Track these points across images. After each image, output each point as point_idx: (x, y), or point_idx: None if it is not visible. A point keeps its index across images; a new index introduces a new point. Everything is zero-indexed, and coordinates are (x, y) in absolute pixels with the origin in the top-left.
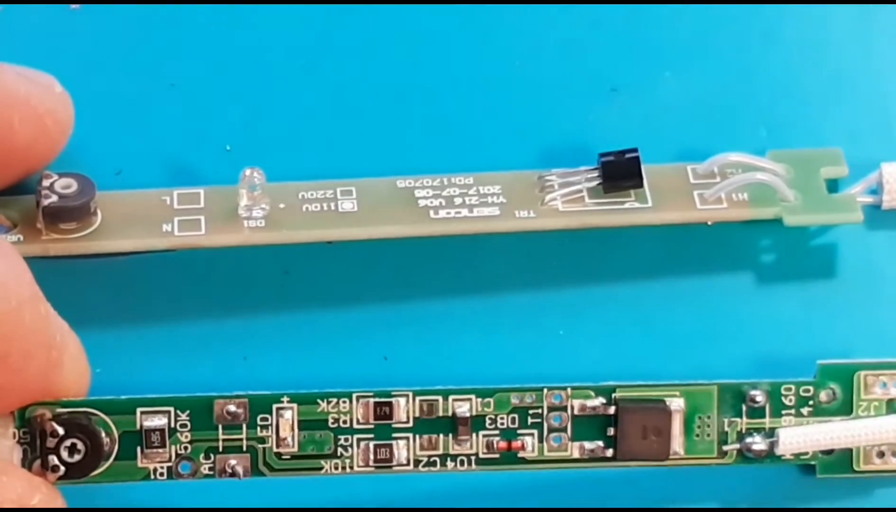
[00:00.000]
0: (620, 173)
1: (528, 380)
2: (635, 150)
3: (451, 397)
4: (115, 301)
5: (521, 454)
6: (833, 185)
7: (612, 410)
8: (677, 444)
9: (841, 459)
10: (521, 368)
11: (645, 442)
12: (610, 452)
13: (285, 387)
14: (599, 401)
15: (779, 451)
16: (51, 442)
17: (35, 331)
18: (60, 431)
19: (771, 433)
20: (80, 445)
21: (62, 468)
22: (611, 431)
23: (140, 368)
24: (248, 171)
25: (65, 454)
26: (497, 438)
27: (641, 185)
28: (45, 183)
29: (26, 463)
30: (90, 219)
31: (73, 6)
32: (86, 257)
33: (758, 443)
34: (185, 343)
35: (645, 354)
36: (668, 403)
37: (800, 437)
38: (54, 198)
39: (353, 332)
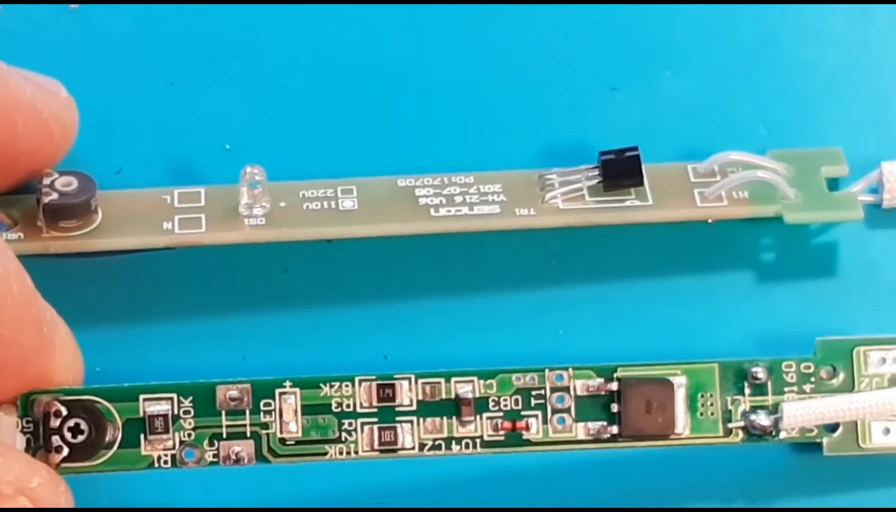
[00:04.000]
0: (621, 171)
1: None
2: (635, 148)
3: (453, 379)
4: (115, 299)
5: (525, 436)
6: (834, 185)
7: (614, 386)
8: (682, 421)
9: (847, 437)
10: (521, 366)
11: (649, 417)
12: (615, 429)
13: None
14: (601, 380)
15: (783, 425)
16: (54, 422)
17: (24, 301)
18: (63, 410)
19: (775, 410)
20: (83, 426)
21: (66, 449)
22: (615, 408)
23: (140, 366)
24: (248, 169)
25: (68, 435)
26: (501, 420)
27: (642, 184)
28: (46, 181)
29: (30, 452)
30: (91, 217)
31: (73, 6)
32: (86, 255)
33: (762, 418)
34: (185, 341)
35: (645, 351)
36: (670, 379)
37: (804, 410)
38: (55, 196)
39: (353, 330)
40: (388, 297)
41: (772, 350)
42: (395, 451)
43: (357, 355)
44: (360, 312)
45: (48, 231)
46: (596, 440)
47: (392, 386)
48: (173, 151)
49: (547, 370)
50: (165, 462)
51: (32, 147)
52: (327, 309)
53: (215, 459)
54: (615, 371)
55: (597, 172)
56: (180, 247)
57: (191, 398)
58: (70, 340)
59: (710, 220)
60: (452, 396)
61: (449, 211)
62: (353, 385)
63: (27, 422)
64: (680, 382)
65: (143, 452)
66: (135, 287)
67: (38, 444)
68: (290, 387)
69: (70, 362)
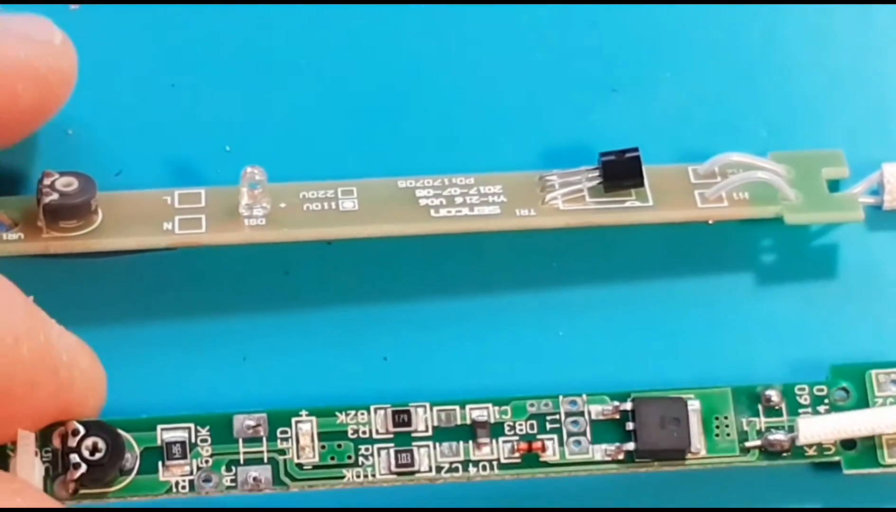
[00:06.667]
0: (621, 172)
1: (528, 381)
2: (636, 149)
3: (468, 406)
4: (115, 300)
5: (542, 458)
6: (834, 187)
7: (629, 405)
8: (697, 441)
9: (865, 454)
10: (520, 368)
11: (664, 432)
12: (631, 446)
13: (284, 388)
14: (615, 404)
15: (800, 441)
16: (71, 441)
17: (37, 362)
18: (81, 429)
19: (791, 430)
20: (101, 444)
21: (84, 466)
22: (630, 426)
23: (139, 368)
24: (249, 169)
25: (86, 454)
26: (517, 441)
27: (642, 185)
28: (46, 181)
29: (48, 480)
30: (91, 217)
31: (73, 6)
32: (86, 256)
33: (779, 435)
34: (185, 342)
35: (644, 353)
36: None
37: (820, 425)
38: (55, 196)
39: (353, 331)
40: (388, 298)
41: (770, 352)
42: (412, 474)
43: (356, 357)
44: (359, 313)
45: (48, 231)
46: (613, 461)
47: (407, 412)
48: (173, 153)
49: (561, 397)
50: (183, 487)
51: (33, 105)
52: (327, 310)
53: (233, 484)
54: (629, 397)
55: (597, 173)
56: (180, 247)
57: (208, 427)
58: (92, 368)
59: (710, 221)
60: (468, 421)
61: (449, 212)
62: (369, 413)
63: (46, 451)
64: (694, 406)
65: (161, 479)
66: (135, 287)
67: (58, 472)
68: (307, 415)
69: (91, 390)
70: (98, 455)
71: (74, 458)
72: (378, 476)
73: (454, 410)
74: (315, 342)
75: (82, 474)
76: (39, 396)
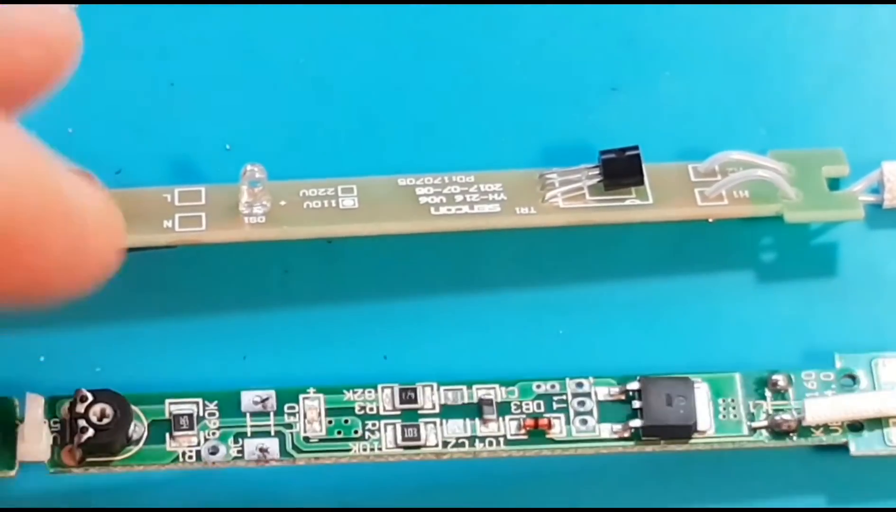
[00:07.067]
0: (621, 170)
1: (526, 378)
2: (636, 147)
3: (474, 386)
4: (115, 297)
5: (549, 435)
6: (834, 185)
7: (636, 385)
8: (705, 420)
9: (872, 436)
10: (519, 366)
11: (671, 409)
12: (637, 422)
13: (284, 387)
14: (621, 387)
15: (807, 421)
16: (80, 407)
17: (45, 202)
18: (89, 396)
19: (798, 412)
20: (108, 411)
21: (91, 430)
22: (637, 404)
23: (139, 365)
24: (249, 167)
25: (94, 419)
26: (524, 418)
27: (642, 183)
28: None
29: (56, 447)
30: None
31: (73, 6)
32: None
33: (786, 415)
34: (184, 340)
35: (644, 351)
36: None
37: (827, 406)
38: None
39: (353, 330)
40: (387, 296)
41: (770, 351)
42: (418, 448)
43: (356, 355)
44: (359, 312)
45: None
46: (620, 438)
47: (414, 390)
48: (173, 151)
49: (567, 379)
50: (190, 458)
51: (39, 71)
52: (327, 308)
53: (239, 456)
54: (635, 378)
55: (597, 171)
56: (180, 245)
57: (216, 402)
58: (105, 210)
59: (710, 220)
60: (475, 400)
61: (449, 210)
62: (376, 391)
63: (54, 421)
64: (700, 387)
65: (168, 448)
66: (134, 285)
67: (65, 441)
68: (314, 393)
69: (107, 231)
70: (105, 421)
71: (82, 422)
72: (384, 450)
73: (461, 389)
74: (315, 340)
75: (89, 439)
76: (53, 240)
